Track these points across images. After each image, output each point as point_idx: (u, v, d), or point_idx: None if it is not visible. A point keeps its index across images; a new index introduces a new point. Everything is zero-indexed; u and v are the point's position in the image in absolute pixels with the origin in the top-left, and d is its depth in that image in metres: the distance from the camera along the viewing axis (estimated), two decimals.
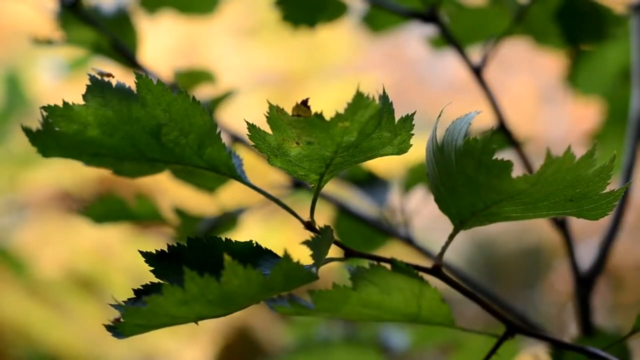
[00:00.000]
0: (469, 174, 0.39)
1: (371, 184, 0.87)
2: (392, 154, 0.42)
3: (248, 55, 2.25)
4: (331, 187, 0.93)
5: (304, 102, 0.38)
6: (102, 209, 0.80)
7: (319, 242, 0.41)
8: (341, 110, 0.38)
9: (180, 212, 0.82)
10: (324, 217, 0.85)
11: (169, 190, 1.80)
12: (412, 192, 0.88)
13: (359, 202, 0.90)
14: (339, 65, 2.36)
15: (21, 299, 1.91)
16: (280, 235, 1.96)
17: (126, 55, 0.80)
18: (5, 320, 1.91)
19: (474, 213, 0.42)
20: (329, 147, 0.40)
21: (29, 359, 1.89)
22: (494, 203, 0.41)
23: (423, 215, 0.90)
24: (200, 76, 0.85)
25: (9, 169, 1.92)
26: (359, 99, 0.38)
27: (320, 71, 2.31)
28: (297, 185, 0.84)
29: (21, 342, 1.92)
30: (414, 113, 0.41)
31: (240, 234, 0.70)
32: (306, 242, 0.40)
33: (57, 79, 1.19)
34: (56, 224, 2.06)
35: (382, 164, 0.90)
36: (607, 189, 0.41)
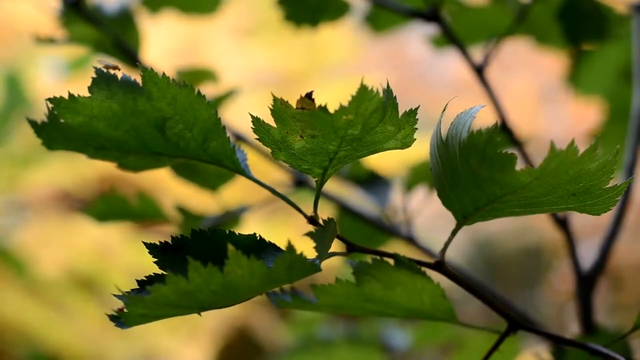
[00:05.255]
0: (473, 167, 0.39)
1: (373, 182, 0.87)
2: (395, 148, 0.42)
3: (248, 55, 2.25)
4: (333, 186, 0.93)
5: (308, 95, 0.38)
6: (104, 207, 0.80)
7: (322, 234, 0.41)
8: (345, 104, 0.38)
9: (182, 210, 0.82)
10: (326, 215, 0.85)
11: (170, 189, 1.80)
12: (414, 191, 0.88)
13: (361, 200, 0.90)
14: (339, 65, 2.36)
15: (21, 299, 1.91)
16: (282, 234, 1.96)
17: (128, 54, 0.81)
18: (5, 320, 1.91)
19: (477, 208, 0.42)
20: (333, 140, 0.40)
21: (29, 359, 1.88)
22: (497, 197, 0.41)
23: (425, 215, 0.90)
24: (202, 75, 0.85)
25: (9, 169, 1.92)
26: (363, 92, 0.38)
27: (321, 71, 2.32)
28: (299, 183, 0.84)
29: (21, 342, 1.92)
30: (417, 107, 0.41)
31: (242, 232, 0.70)
32: (310, 234, 0.40)
33: (58, 79, 1.19)
34: (56, 224, 2.06)
35: (383, 163, 0.90)
36: (610, 184, 0.41)
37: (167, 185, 1.77)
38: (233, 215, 0.83)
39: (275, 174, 0.89)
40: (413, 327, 1.06)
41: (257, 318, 2.10)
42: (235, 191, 0.89)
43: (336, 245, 0.44)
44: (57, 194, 2.13)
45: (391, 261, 0.44)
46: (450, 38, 0.80)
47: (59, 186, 2.09)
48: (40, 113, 0.39)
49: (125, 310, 0.38)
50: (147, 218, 0.83)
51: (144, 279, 0.40)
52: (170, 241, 0.41)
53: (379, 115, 0.39)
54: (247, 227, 0.84)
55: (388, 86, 0.39)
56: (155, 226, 0.87)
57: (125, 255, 1.94)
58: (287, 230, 1.97)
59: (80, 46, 0.82)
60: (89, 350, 1.91)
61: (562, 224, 0.79)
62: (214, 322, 2.04)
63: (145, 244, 0.41)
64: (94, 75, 0.39)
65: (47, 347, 1.89)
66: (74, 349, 1.90)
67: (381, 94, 0.38)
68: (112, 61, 0.82)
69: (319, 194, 0.44)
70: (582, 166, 0.39)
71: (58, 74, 1.17)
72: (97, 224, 0.81)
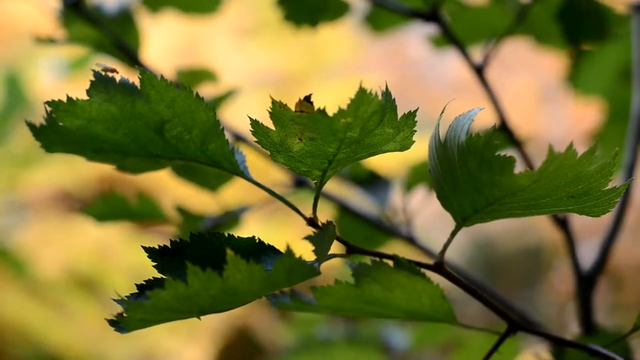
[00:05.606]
0: (472, 170, 0.39)
1: (373, 183, 0.87)
2: (394, 150, 0.42)
3: (248, 55, 2.25)
4: (333, 186, 0.93)
5: (307, 98, 0.38)
6: (104, 207, 0.80)
7: (321, 237, 0.41)
8: (344, 106, 0.38)
9: (182, 210, 0.82)
10: (325, 216, 0.85)
11: (170, 189, 1.80)
12: (414, 191, 0.88)
13: (361, 201, 0.90)
14: (339, 65, 2.36)
15: (21, 299, 1.92)
16: (281, 234, 1.96)
17: (128, 54, 0.80)
18: (5, 320, 1.91)
19: (476, 210, 0.42)
20: (332, 143, 0.40)
21: (29, 359, 1.89)
22: (496, 199, 0.41)
23: (424, 215, 0.90)
24: (202, 75, 0.85)
25: (9, 169, 1.92)
26: (362, 94, 0.38)
27: (321, 71, 2.32)
28: (299, 183, 0.84)
29: (21, 342, 1.92)
30: (416, 109, 0.41)
31: (242, 233, 0.69)
32: (308, 237, 0.40)
33: (58, 79, 1.19)
34: (56, 224, 2.06)
35: (383, 163, 0.90)
36: (609, 186, 0.41)
37: (167, 185, 1.77)
38: (233, 215, 0.83)
39: (276, 174, 0.89)
40: (413, 327, 1.06)
41: (257, 318, 2.11)
42: (235, 191, 0.89)
43: (336, 247, 0.44)
44: (57, 194, 2.13)
45: (390, 263, 0.44)
46: (450, 38, 0.80)
47: (59, 186, 2.09)
48: (40, 113, 0.39)
49: (124, 315, 0.38)
50: (147, 218, 0.83)
51: (143, 283, 0.40)
52: (169, 245, 0.41)
53: (378, 118, 0.39)
54: (247, 226, 0.85)
55: (387, 88, 0.39)
56: (155, 226, 0.88)
57: (125, 255, 1.94)
58: (287, 230, 1.97)
59: (80, 46, 0.82)
60: (89, 351, 1.91)
61: (562, 224, 0.79)
62: (214, 322, 2.04)
63: (144, 248, 0.41)
64: (92, 79, 0.39)
65: (47, 347, 1.89)
66: (74, 349, 1.90)
67: (380, 97, 0.38)
68: (111, 62, 0.82)
69: (318, 195, 0.44)
70: (580, 168, 0.39)
71: (58, 74, 1.17)
72: (97, 224, 0.81)
